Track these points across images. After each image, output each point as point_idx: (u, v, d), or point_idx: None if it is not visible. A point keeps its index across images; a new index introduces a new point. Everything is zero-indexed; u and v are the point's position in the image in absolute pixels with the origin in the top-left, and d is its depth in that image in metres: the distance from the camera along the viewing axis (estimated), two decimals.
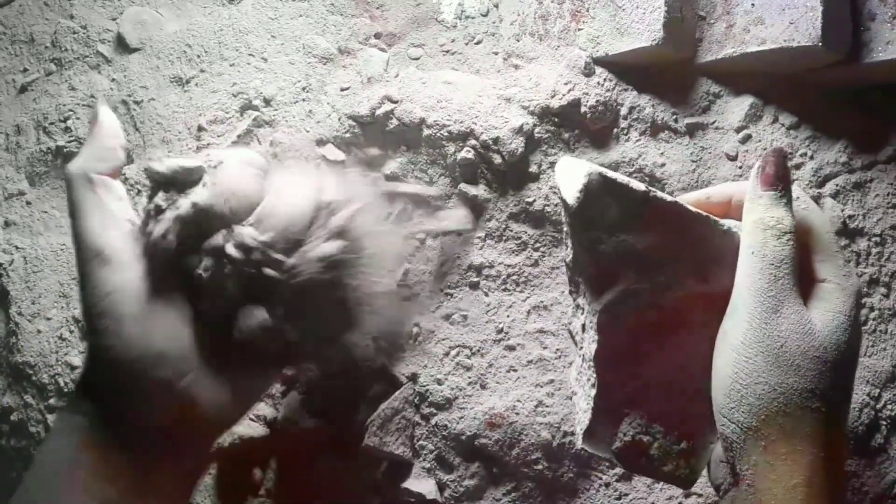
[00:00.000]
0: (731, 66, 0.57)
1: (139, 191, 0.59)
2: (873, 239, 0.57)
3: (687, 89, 0.58)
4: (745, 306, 0.37)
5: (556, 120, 0.56)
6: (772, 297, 0.37)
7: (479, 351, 0.54)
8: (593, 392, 0.41)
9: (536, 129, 0.56)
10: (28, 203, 0.64)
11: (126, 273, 0.40)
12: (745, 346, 0.36)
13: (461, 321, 0.54)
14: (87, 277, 0.39)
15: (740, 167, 0.57)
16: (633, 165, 0.57)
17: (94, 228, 0.40)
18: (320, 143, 0.57)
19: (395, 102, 0.56)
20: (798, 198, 0.41)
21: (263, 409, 0.53)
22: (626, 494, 0.52)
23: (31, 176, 0.65)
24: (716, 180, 0.57)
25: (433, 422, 0.52)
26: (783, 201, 0.38)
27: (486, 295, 0.55)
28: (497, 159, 0.55)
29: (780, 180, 0.39)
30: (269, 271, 0.40)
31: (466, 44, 0.61)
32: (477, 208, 0.55)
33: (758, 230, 0.38)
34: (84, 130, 0.63)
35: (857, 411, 0.54)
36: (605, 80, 0.57)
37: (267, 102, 0.59)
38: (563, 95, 0.56)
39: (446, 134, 0.55)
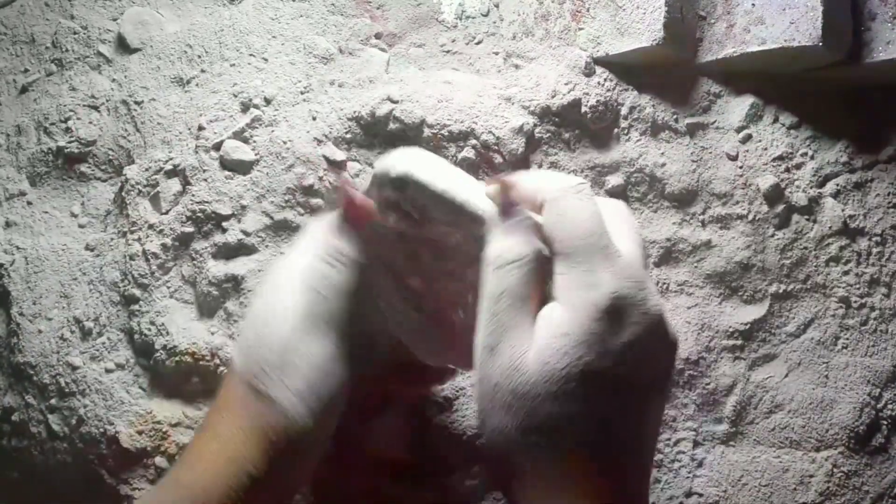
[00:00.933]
0: (731, 65, 0.57)
1: (140, 191, 0.59)
2: (874, 239, 0.57)
3: (687, 89, 0.58)
4: (476, 345, 0.35)
5: (557, 120, 0.56)
6: (490, 335, 0.34)
7: None
8: None
9: (537, 129, 0.56)
10: (29, 203, 0.64)
11: None
12: (477, 386, 0.35)
13: None
14: None
15: (741, 167, 0.57)
16: (634, 165, 0.57)
17: None
18: (320, 142, 0.57)
19: (396, 102, 0.56)
20: (553, 203, 0.36)
21: None
22: None
23: (32, 176, 0.65)
24: (716, 180, 0.57)
25: (434, 422, 0.52)
26: (515, 229, 0.35)
27: None
28: (497, 159, 0.55)
29: (504, 212, 0.36)
30: None
31: (467, 44, 0.61)
32: None
33: (485, 266, 0.36)
34: (85, 131, 0.63)
35: (857, 411, 0.54)
36: (605, 80, 0.57)
37: (267, 102, 0.59)
38: (564, 95, 0.56)
39: (447, 134, 0.55)
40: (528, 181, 0.37)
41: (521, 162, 0.55)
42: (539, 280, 0.35)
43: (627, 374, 0.33)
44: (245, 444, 0.37)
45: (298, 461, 0.39)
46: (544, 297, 0.35)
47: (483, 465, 0.42)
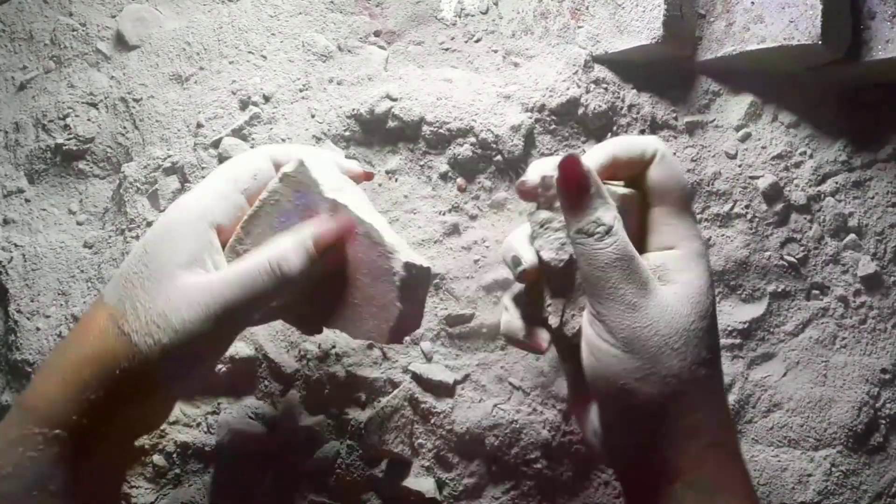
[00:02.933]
0: (730, 64, 0.57)
1: (138, 189, 0.59)
2: (873, 237, 0.57)
3: (686, 87, 0.58)
4: (603, 314, 0.37)
5: (556, 118, 0.56)
6: (621, 297, 0.37)
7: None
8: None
9: (536, 127, 0.55)
10: (27, 201, 0.64)
11: None
12: (623, 346, 0.37)
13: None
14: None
15: (740, 165, 0.57)
16: None
17: None
18: (319, 140, 0.57)
19: (395, 100, 0.56)
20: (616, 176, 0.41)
21: (263, 407, 0.53)
22: None
23: (31, 173, 0.65)
24: (717, 180, 0.57)
25: (432, 420, 0.52)
26: (594, 203, 0.38)
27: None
28: (496, 156, 0.55)
29: (578, 188, 0.38)
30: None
31: (466, 42, 0.61)
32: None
33: (579, 240, 0.38)
34: (83, 128, 0.63)
35: (856, 410, 0.54)
36: (604, 78, 0.57)
37: (266, 100, 0.59)
38: (563, 93, 0.56)
39: (446, 132, 0.55)
40: (619, 143, 0.41)
41: (520, 159, 0.55)
42: (629, 237, 0.38)
43: None
44: (91, 373, 0.38)
45: (148, 391, 0.39)
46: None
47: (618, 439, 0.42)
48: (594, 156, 0.40)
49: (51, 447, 0.37)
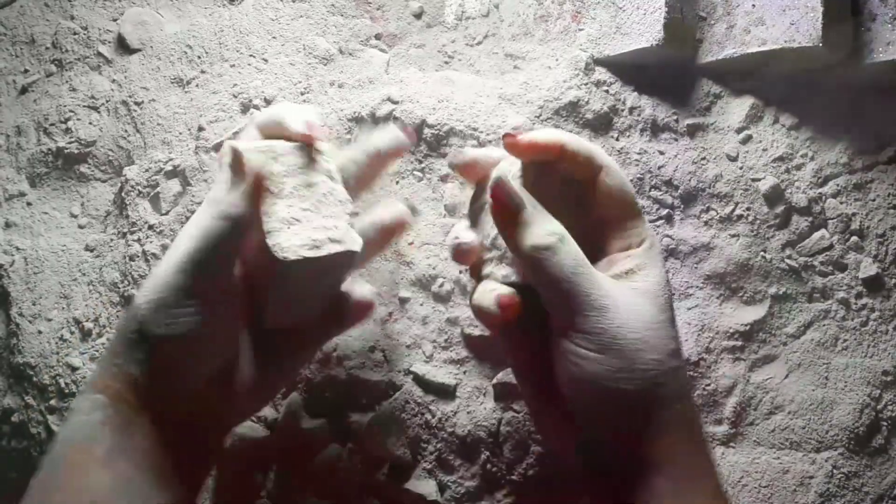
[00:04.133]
0: (731, 66, 0.57)
1: (140, 192, 0.59)
2: (874, 240, 0.57)
3: (687, 90, 0.58)
4: (578, 323, 0.38)
5: (557, 120, 0.56)
6: (591, 302, 0.38)
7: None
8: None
9: (537, 128, 0.56)
10: (29, 204, 0.64)
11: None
12: (600, 349, 0.37)
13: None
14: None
15: (741, 168, 0.57)
16: (634, 166, 0.57)
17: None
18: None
19: (396, 103, 0.56)
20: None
21: (264, 410, 0.53)
22: None
23: (32, 177, 0.65)
24: (719, 183, 0.57)
25: (434, 423, 0.52)
26: (539, 216, 0.39)
27: None
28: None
29: (515, 207, 0.39)
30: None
31: (467, 44, 0.61)
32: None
33: (537, 256, 0.38)
34: (85, 131, 0.63)
35: (857, 412, 0.54)
36: (605, 80, 0.57)
37: (267, 103, 0.59)
38: (563, 96, 0.56)
39: (447, 134, 0.55)
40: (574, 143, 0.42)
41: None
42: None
43: None
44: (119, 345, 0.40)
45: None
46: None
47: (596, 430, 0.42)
48: (542, 134, 0.42)
49: (94, 411, 0.39)
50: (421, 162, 0.56)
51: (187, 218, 0.57)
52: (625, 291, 0.39)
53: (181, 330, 0.39)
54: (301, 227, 0.41)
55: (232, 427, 0.49)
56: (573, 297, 0.38)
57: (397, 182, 0.56)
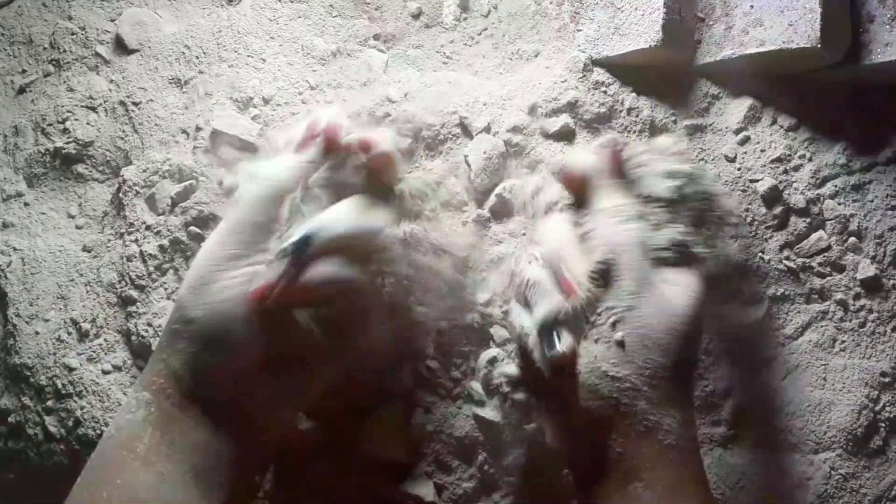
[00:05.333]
0: (729, 67, 0.57)
1: (137, 192, 0.59)
2: (872, 241, 0.57)
3: (686, 91, 0.58)
4: (634, 307, 0.39)
5: (555, 121, 0.56)
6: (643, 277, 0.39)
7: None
8: None
9: (535, 130, 0.56)
10: (26, 204, 0.64)
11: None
12: (620, 337, 0.39)
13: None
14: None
15: (739, 169, 0.57)
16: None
17: None
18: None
19: (394, 103, 0.56)
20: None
21: None
22: None
23: (30, 177, 0.65)
24: (717, 182, 0.57)
25: (432, 424, 0.52)
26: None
27: None
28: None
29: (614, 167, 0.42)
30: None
31: (465, 45, 0.61)
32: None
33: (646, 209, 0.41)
34: (82, 132, 0.63)
35: (855, 413, 0.54)
36: (603, 81, 0.57)
37: (266, 103, 0.59)
38: (562, 97, 0.56)
39: (445, 134, 0.55)
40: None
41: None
42: None
43: None
44: (164, 338, 0.40)
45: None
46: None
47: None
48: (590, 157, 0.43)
49: (139, 408, 0.38)
50: (419, 163, 0.56)
51: (187, 217, 0.57)
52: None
53: (223, 308, 0.37)
54: None
55: (287, 424, 0.46)
56: (644, 276, 0.40)
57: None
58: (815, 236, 0.57)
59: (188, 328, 0.38)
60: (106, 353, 0.57)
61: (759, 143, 0.57)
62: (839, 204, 0.57)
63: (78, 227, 0.62)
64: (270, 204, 0.40)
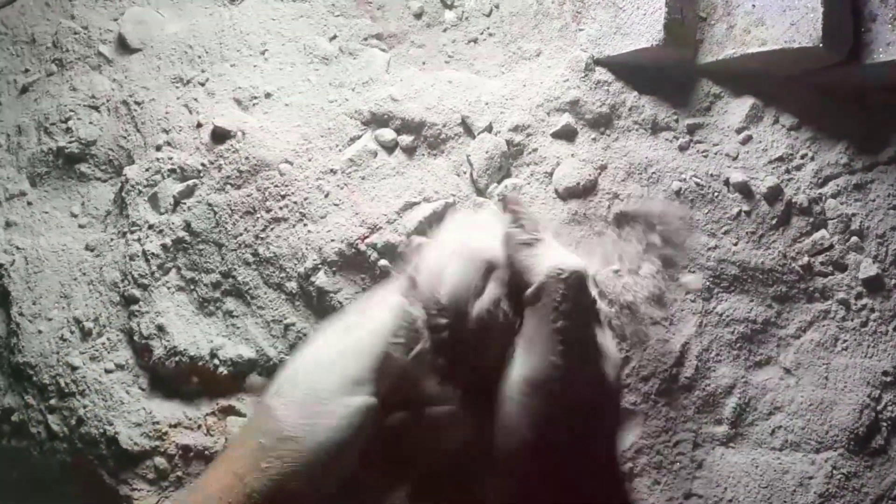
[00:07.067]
0: (731, 66, 0.57)
1: (140, 191, 0.59)
2: (874, 240, 0.57)
3: (687, 90, 0.58)
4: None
5: (557, 119, 0.56)
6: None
7: None
8: None
9: (537, 129, 0.56)
10: (29, 203, 0.64)
11: None
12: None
13: None
14: None
15: (740, 167, 0.57)
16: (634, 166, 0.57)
17: None
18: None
19: (396, 101, 0.56)
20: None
21: None
22: None
23: (33, 176, 0.65)
24: (717, 182, 0.57)
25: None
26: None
27: None
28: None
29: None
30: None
31: (467, 44, 0.61)
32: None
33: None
34: (85, 131, 0.63)
35: (857, 412, 0.54)
36: (605, 80, 0.57)
37: (268, 99, 0.59)
38: (564, 95, 0.56)
39: (447, 133, 0.55)
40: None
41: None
42: None
43: None
44: (241, 450, 0.34)
45: (292, 473, 0.33)
46: None
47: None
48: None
49: None
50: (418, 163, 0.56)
51: (190, 216, 0.57)
52: None
53: (338, 437, 0.32)
54: None
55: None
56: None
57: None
58: (817, 235, 0.57)
59: (283, 447, 0.33)
60: (109, 352, 0.57)
61: (761, 142, 0.57)
62: (841, 203, 0.57)
63: (81, 226, 0.62)
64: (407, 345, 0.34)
